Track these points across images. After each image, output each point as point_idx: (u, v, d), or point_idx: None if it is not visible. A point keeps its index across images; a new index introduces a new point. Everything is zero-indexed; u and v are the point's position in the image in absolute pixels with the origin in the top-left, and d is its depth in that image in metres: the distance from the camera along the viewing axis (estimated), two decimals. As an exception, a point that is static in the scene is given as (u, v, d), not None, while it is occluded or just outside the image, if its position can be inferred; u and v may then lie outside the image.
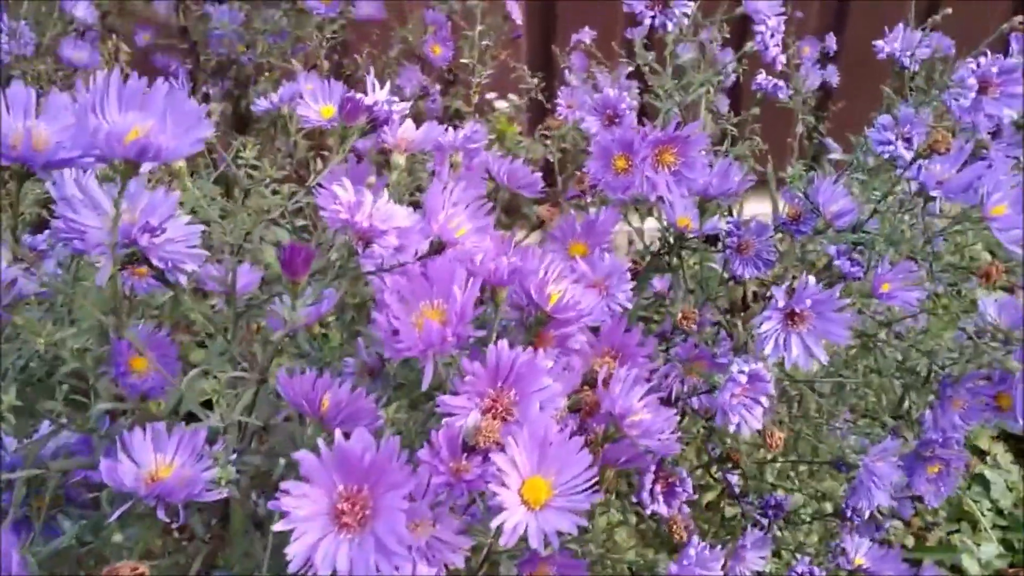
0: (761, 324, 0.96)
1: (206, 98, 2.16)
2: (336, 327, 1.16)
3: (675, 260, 1.36)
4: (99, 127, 0.53)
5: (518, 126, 2.38)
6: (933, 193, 1.00)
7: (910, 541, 2.16)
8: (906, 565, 1.35)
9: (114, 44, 2.03)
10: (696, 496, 1.37)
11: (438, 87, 2.37)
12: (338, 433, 0.59)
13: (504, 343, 0.70)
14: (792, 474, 1.47)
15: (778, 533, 1.39)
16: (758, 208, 1.42)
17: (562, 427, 0.75)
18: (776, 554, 1.45)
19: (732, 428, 0.93)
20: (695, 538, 0.80)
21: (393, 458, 0.60)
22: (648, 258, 1.37)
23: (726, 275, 1.26)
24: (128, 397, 0.93)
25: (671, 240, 1.32)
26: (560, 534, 0.66)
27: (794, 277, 1.15)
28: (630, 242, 2.08)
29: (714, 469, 1.45)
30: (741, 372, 0.92)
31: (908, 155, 1.04)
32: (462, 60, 2.23)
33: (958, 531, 2.22)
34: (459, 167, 1.08)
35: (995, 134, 1.34)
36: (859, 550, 1.33)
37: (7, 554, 0.64)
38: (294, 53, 2.14)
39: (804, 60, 2.23)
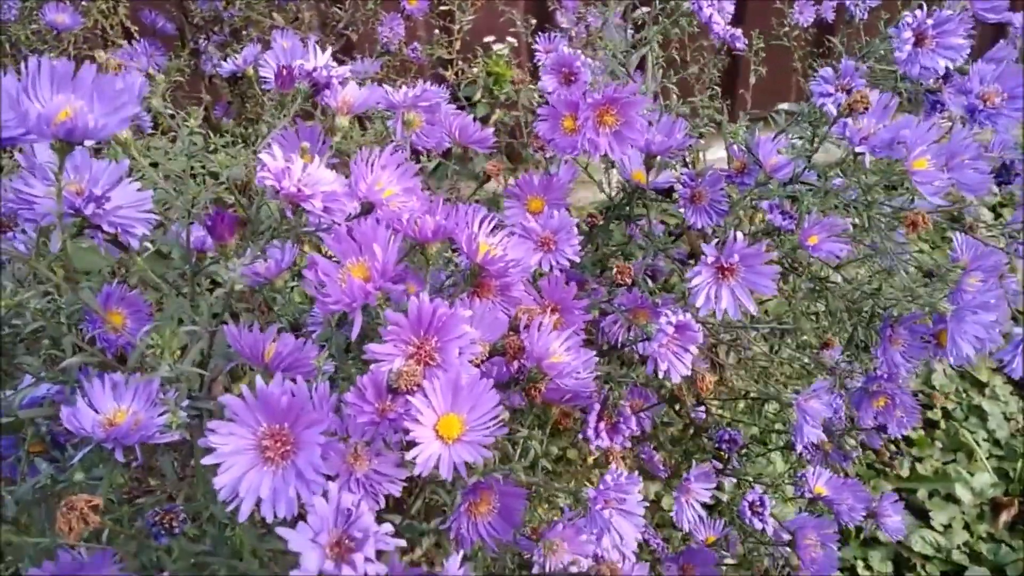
0: (692, 279, 1.01)
1: (194, 53, 2.20)
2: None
3: (636, 210, 1.41)
4: (29, 110, 0.59)
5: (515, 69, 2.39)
6: (859, 149, 1.04)
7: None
8: (866, 493, 1.42)
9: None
10: (650, 430, 1.45)
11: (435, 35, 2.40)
12: (259, 378, 0.66)
13: (424, 295, 0.76)
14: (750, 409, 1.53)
15: (737, 465, 1.46)
16: (722, 154, 1.45)
17: (485, 369, 0.83)
18: (737, 484, 1.53)
19: (661, 375, 0.99)
20: (613, 465, 0.87)
21: (311, 399, 0.67)
22: (611, 209, 1.42)
23: (688, 224, 1.31)
24: (105, 351, 1.01)
25: (630, 192, 1.37)
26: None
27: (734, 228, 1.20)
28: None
29: (677, 407, 1.52)
30: (669, 323, 0.97)
31: (834, 111, 1.07)
32: (442, 7, 2.25)
33: (954, 461, 2.27)
34: (413, 125, 1.13)
35: (946, 77, 1.37)
36: (819, 479, 1.40)
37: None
38: (283, 4, 2.16)
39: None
